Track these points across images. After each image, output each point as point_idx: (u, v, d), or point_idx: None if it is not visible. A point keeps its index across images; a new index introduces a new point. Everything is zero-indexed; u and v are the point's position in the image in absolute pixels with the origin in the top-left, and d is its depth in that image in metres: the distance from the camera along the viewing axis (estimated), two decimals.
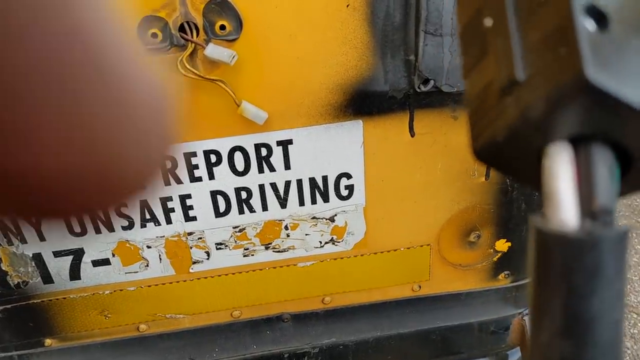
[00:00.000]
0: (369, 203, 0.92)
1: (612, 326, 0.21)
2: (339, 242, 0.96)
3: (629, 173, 0.22)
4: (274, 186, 0.88)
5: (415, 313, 1.06)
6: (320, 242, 0.96)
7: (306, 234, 0.94)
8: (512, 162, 0.24)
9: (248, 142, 0.83)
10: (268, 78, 0.78)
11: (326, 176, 0.88)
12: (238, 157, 0.85)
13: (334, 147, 0.86)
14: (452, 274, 1.03)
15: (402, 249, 0.99)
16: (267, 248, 0.95)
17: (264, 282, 0.99)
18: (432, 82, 0.80)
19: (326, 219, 0.93)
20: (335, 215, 0.93)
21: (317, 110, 0.82)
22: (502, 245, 1.01)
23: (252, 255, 0.95)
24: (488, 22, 0.23)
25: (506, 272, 1.04)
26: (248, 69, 0.77)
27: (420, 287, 1.04)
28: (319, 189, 0.90)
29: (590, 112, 0.20)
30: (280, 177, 0.87)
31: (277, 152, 0.85)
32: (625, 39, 0.21)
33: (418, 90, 0.81)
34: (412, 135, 0.86)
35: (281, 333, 1.05)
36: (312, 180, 0.88)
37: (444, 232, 0.97)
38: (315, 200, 0.91)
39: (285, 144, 0.84)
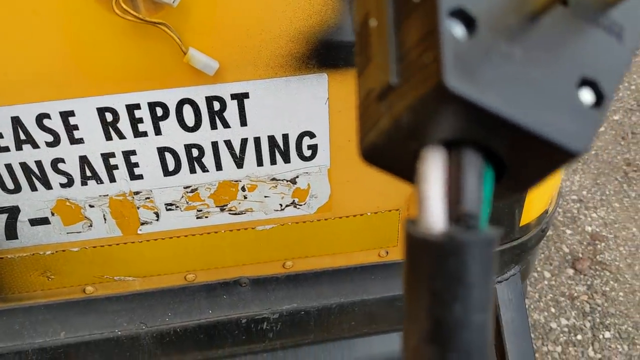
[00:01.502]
0: (334, 165, 0.85)
1: (476, 332, 0.20)
2: (301, 205, 0.89)
3: (503, 178, 0.22)
4: (228, 144, 0.80)
5: (381, 279, 1.00)
6: (281, 205, 0.88)
7: (265, 196, 0.87)
8: (396, 165, 0.24)
9: (198, 94, 0.74)
10: (220, 23, 0.69)
11: (287, 135, 0.80)
12: (187, 111, 0.76)
13: (295, 103, 0.77)
14: None
15: (368, 214, 0.92)
16: (222, 210, 0.87)
17: (220, 245, 0.92)
18: None
19: (287, 181, 0.85)
20: (297, 177, 0.85)
21: (276, 61, 0.73)
22: None
23: (206, 217, 0.88)
24: (373, 23, 0.22)
25: None
26: (196, 12, 0.67)
27: (387, 252, 0.98)
28: (279, 149, 0.81)
29: (458, 119, 0.20)
30: (235, 134, 0.79)
31: (232, 106, 0.76)
32: (493, 44, 0.20)
33: None
34: None
35: (239, 298, 0.99)
36: (272, 139, 0.80)
37: (414, 196, 0.90)
38: (275, 161, 0.83)
39: (240, 98, 0.76)
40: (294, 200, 0.88)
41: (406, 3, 0.21)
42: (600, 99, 0.21)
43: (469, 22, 0.20)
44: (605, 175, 2.86)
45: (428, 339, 0.20)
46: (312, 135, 0.81)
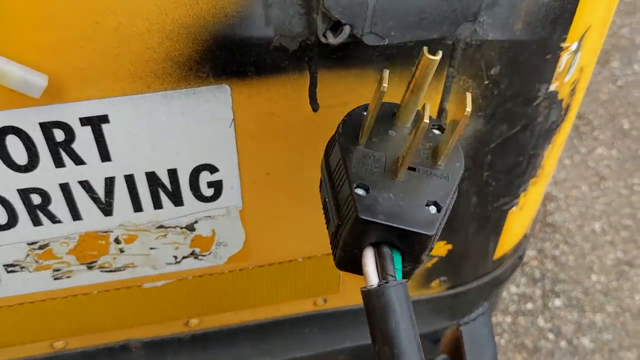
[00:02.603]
0: (249, 204, 0.60)
1: (407, 335, 0.36)
2: (204, 256, 0.63)
3: (404, 259, 0.41)
4: (85, 186, 0.53)
5: (318, 332, 0.77)
6: (176, 258, 0.63)
7: (151, 248, 0.61)
8: (355, 267, 0.42)
9: (27, 120, 0.47)
10: (49, 13, 0.41)
11: (174, 170, 0.54)
12: (13, 144, 0.49)
13: (184, 127, 0.51)
14: None
15: (300, 259, 0.68)
16: (90, 268, 0.61)
17: (95, 307, 0.66)
18: (346, 28, 0.45)
19: (181, 228, 0.60)
20: (196, 222, 0.60)
21: (147, 68, 0.47)
22: (441, 248, 0.71)
23: (68, 277, 0.61)
24: (326, 199, 0.46)
25: (442, 278, 0.76)
26: (8, 4, 0.40)
27: (325, 300, 0.75)
28: (164, 189, 0.55)
29: (371, 231, 0.40)
30: (95, 172, 0.52)
31: (83, 135, 0.49)
32: (380, 194, 0.41)
33: (324, 40, 0.47)
34: (315, 108, 0.53)
35: None
36: (152, 177, 0.54)
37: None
38: (160, 204, 0.57)
39: (96, 123, 0.49)
40: (193, 251, 0.63)
41: (337, 185, 0.43)
42: (439, 209, 0.41)
43: (366, 188, 0.41)
44: None
45: (383, 344, 0.36)
46: (213, 169, 0.55)
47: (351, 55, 0.49)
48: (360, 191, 0.41)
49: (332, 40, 0.46)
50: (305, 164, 0.57)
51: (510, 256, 0.80)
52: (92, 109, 0.48)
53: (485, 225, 0.70)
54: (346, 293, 0.73)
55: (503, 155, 0.62)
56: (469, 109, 0.40)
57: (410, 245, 0.41)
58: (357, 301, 0.74)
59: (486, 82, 0.54)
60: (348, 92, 0.52)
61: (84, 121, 0.48)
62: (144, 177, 0.54)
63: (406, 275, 0.43)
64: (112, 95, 0.47)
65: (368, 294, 0.38)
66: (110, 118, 0.49)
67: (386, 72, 0.41)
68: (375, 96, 0.41)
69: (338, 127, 0.46)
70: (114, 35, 0.44)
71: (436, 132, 0.47)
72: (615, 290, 2.26)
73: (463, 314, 0.81)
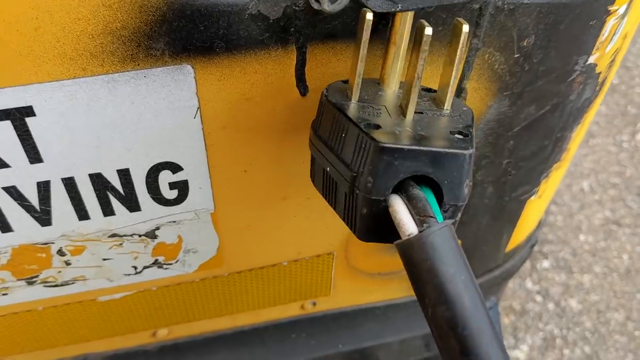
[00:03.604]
0: (222, 206, 0.49)
1: (464, 286, 0.29)
2: (169, 264, 0.53)
3: (443, 198, 0.34)
4: (13, 192, 0.42)
5: (305, 337, 0.67)
6: (135, 268, 0.52)
7: (104, 259, 0.50)
8: (386, 231, 0.33)
9: None
10: None
11: (126, 170, 0.43)
12: None
13: (135, 118, 0.40)
14: (366, 285, 0.64)
15: (284, 264, 0.57)
16: (31, 283, 0.50)
17: (42, 324, 0.56)
18: None
19: (140, 236, 0.49)
20: (157, 228, 0.49)
21: (79, 46, 0.35)
22: None
23: (5, 294, 0.50)
24: (328, 168, 0.37)
25: None
26: None
27: (315, 303, 0.65)
28: (114, 192, 0.44)
29: (399, 165, 0.32)
30: (23, 175, 0.41)
31: (3, 131, 0.38)
32: (394, 128, 0.34)
33: (316, 5, 0.35)
34: (303, 91, 0.41)
35: None
36: (98, 179, 0.43)
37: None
38: (112, 210, 0.45)
39: (17, 117, 0.37)
40: (156, 260, 0.52)
41: (339, 141, 0.36)
42: (466, 136, 0.34)
43: (376, 126, 0.34)
44: None
45: (437, 303, 0.29)
46: (175, 167, 0.44)
47: (350, 26, 0.38)
48: (371, 128, 0.34)
49: (327, 6, 0.34)
50: (290, 157, 0.46)
51: (522, 246, 0.70)
52: (9, 99, 0.36)
53: (499, 217, 0.60)
54: (338, 295, 0.64)
55: (527, 140, 0.52)
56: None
57: (446, 174, 0.33)
58: (351, 302, 0.64)
59: (516, 56, 0.43)
60: (344, 71, 0.41)
61: (1, 115, 0.37)
62: (88, 180, 0.43)
63: (450, 219, 0.35)
64: (36, 81, 0.36)
65: (409, 245, 0.30)
66: (35, 110, 0.37)
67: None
68: (359, 37, 0.35)
69: (322, 93, 0.38)
70: (32, 7, 0.32)
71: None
72: (603, 250, 2.22)
73: None
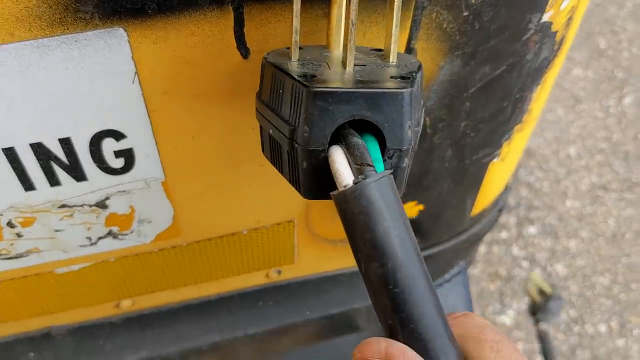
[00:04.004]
0: (173, 174, 0.48)
1: (399, 241, 0.28)
2: (124, 235, 0.52)
3: (386, 142, 0.32)
4: None
5: (272, 305, 0.67)
6: (90, 239, 0.51)
7: (56, 230, 0.49)
8: (325, 185, 0.32)
9: None
10: None
11: (67, 139, 0.42)
12: None
13: (70, 85, 0.39)
14: (329, 252, 0.64)
15: (244, 232, 0.57)
16: None
17: (2, 296, 0.55)
18: None
19: (90, 206, 0.48)
20: (107, 198, 0.48)
21: (5, 11, 0.34)
22: (411, 209, 0.61)
23: None
24: (270, 131, 0.36)
25: None
26: None
27: (280, 272, 0.64)
28: (58, 162, 0.43)
29: (335, 110, 0.31)
30: None
31: None
32: (330, 77, 0.33)
33: None
34: (244, 53, 0.40)
35: (54, 355, 0.64)
36: (39, 148, 0.42)
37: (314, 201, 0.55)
38: (58, 180, 0.45)
39: None
40: (110, 230, 0.51)
41: (278, 99, 0.34)
42: (406, 79, 0.33)
43: (311, 75, 0.33)
44: None
45: (370, 260, 0.28)
46: (118, 135, 0.43)
47: None
48: (307, 79, 0.32)
49: None
50: (238, 123, 0.45)
51: (489, 210, 0.70)
52: None
53: (461, 181, 0.60)
54: (302, 262, 0.63)
55: (485, 102, 0.51)
56: None
57: (386, 116, 0.31)
58: (315, 270, 0.64)
59: (465, 14, 0.42)
60: (286, 31, 0.39)
61: None
62: (29, 150, 0.42)
63: (395, 167, 0.33)
64: None
65: (343, 197, 0.29)
66: None
67: None
68: None
69: (263, 57, 0.37)
70: None
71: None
72: (589, 215, 2.22)
73: (435, 277, 0.71)
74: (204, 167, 0.48)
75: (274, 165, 0.39)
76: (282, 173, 0.38)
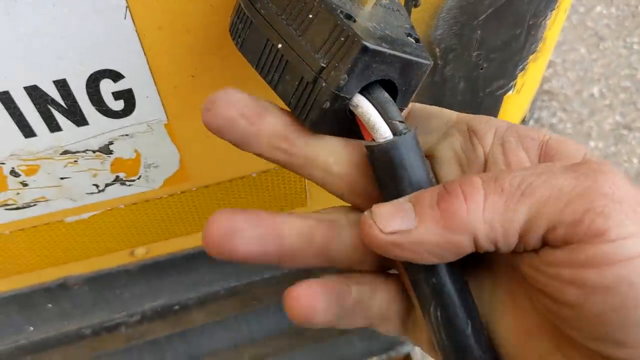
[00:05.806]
0: (175, 116, 0.47)
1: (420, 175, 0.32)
2: (132, 181, 0.51)
3: (397, 95, 0.34)
4: None
5: None
6: (97, 186, 0.51)
7: (62, 178, 0.49)
8: (337, 124, 0.33)
9: None
10: None
11: (63, 81, 0.41)
12: None
13: (60, 22, 0.37)
14: None
15: (253, 175, 0.56)
16: None
17: (12, 248, 0.55)
18: None
19: (93, 152, 0.47)
20: (111, 143, 0.47)
21: None
22: None
23: None
24: (279, 45, 0.33)
25: None
26: None
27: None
28: (56, 106, 0.42)
29: (375, 67, 0.31)
30: None
31: None
32: (365, 23, 0.32)
33: None
34: None
35: (72, 304, 0.65)
36: (35, 91, 0.41)
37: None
38: (58, 125, 0.44)
39: None
40: (117, 176, 0.51)
41: (303, 21, 0.32)
42: (418, 41, 0.34)
43: (352, 18, 0.32)
44: None
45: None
46: (116, 75, 0.42)
47: None
48: (351, 21, 0.32)
49: None
50: (239, 59, 0.43)
51: None
52: None
53: (476, 115, 0.58)
54: (314, 205, 0.62)
55: (497, 29, 0.49)
56: None
57: (406, 81, 0.33)
58: None
59: None
60: None
61: None
62: (25, 94, 0.41)
63: None
64: None
65: (384, 149, 0.31)
66: None
67: None
68: None
69: None
70: None
71: None
72: (613, 155, 2.18)
73: None
74: None
75: (257, 70, 0.36)
76: (272, 86, 0.35)
